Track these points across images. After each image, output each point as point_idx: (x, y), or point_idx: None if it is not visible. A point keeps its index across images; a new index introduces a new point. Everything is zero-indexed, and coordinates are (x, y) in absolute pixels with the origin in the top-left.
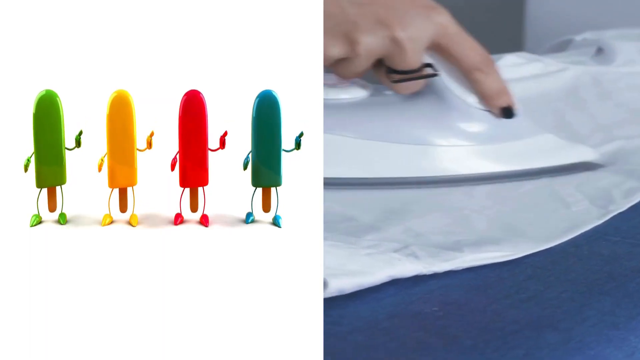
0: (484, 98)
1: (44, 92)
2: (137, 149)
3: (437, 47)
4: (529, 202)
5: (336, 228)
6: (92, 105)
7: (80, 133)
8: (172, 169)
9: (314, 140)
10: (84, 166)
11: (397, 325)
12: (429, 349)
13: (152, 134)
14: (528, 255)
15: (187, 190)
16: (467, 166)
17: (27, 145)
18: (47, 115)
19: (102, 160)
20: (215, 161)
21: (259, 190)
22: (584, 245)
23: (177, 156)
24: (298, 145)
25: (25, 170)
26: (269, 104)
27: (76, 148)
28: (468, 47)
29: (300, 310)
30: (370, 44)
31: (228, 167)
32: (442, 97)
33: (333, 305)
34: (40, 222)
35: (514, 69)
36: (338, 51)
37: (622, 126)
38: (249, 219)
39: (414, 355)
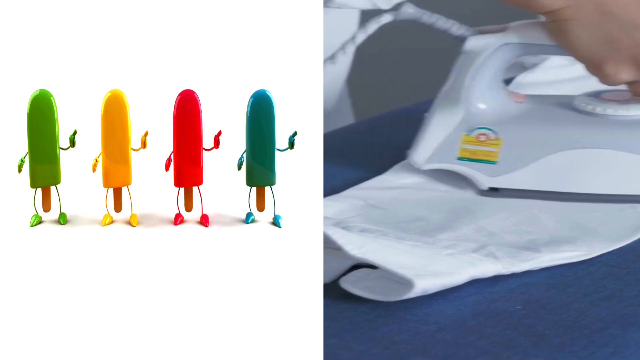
0: None
1: (38, 92)
2: (132, 149)
3: None
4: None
5: (408, 228)
6: (87, 105)
7: (75, 133)
8: (167, 169)
9: (314, 140)
10: (80, 166)
11: (483, 323)
12: (518, 347)
13: (146, 134)
14: (602, 254)
15: (182, 189)
16: None
17: (21, 145)
18: (41, 115)
19: (96, 160)
20: (211, 161)
21: (254, 189)
22: None
23: (172, 156)
24: (292, 144)
25: (19, 170)
26: (263, 103)
27: (70, 148)
28: None
29: (301, 310)
30: None
31: (224, 166)
32: None
33: (417, 305)
34: (40, 222)
35: (561, 71)
36: (628, 76)
37: None
38: (249, 219)
39: (505, 353)
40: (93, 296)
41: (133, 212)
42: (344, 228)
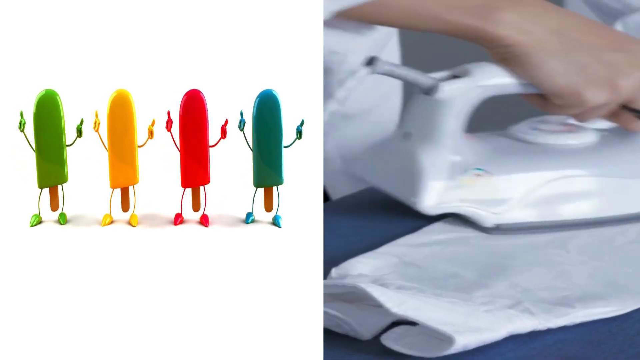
0: None
1: (44, 92)
2: (138, 146)
3: None
4: (623, 257)
5: (446, 285)
6: (93, 105)
7: (82, 122)
8: (168, 128)
9: (314, 140)
10: (80, 166)
11: None
12: None
13: (153, 123)
14: (634, 310)
15: (188, 189)
16: None
17: (23, 146)
18: (47, 115)
19: (97, 118)
20: (215, 160)
21: (260, 189)
22: None
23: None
24: (299, 134)
25: (21, 129)
26: (269, 103)
27: (78, 138)
28: None
29: (300, 310)
30: (629, 87)
31: (224, 166)
32: None
33: None
34: (40, 222)
35: None
36: (603, 98)
37: None
38: (249, 219)
39: None
40: (93, 296)
41: (134, 212)
42: (382, 285)
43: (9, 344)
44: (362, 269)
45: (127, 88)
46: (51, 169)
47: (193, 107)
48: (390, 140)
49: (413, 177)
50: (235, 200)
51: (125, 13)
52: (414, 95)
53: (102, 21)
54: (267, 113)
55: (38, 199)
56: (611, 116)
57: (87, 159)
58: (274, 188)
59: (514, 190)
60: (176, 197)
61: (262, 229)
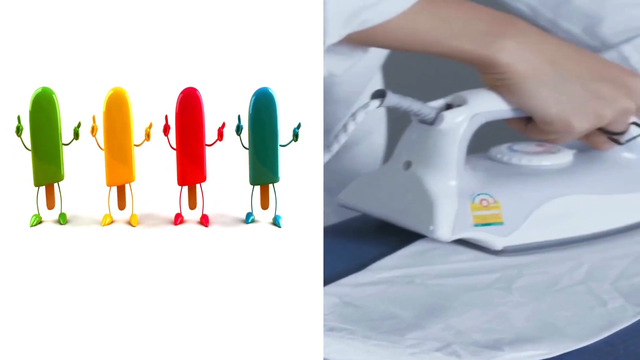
0: None
1: (40, 90)
2: (135, 145)
3: None
4: (564, 300)
5: (380, 326)
6: (89, 103)
7: (79, 125)
8: (165, 133)
9: (313, 139)
10: (80, 165)
11: None
12: None
13: (150, 126)
14: (565, 354)
15: (186, 187)
16: None
17: (21, 145)
18: (43, 113)
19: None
20: (213, 159)
21: (257, 187)
22: (620, 345)
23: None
24: (296, 136)
25: (18, 134)
26: (265, 101)
27: (74, 140)
28: None
29: (300, 309)
30: (612, 115)
31: (224, 165)
32: None
33: None
34: (40, 222)
35: None
36: (588, 126)
37: None
38: (248, 218)
39: None
40: (93, 296)
41: (133, 212)
42: None
43: (9, 343)
44: None
45: (123, 86)
46: (47, 167)
47: (189, 105)
48: (389, 170)
49: (426, 205)
50: (232, 199)
51: (122, 11)
52: (411, 125)
53: (99, 19)
54: (263, 111)
55: (36, 198)
56: (585, 137)
57: (83, 157)
58: (271, 186)
59: (519, 213)
60: (173, 195)
61: (262, 229)
